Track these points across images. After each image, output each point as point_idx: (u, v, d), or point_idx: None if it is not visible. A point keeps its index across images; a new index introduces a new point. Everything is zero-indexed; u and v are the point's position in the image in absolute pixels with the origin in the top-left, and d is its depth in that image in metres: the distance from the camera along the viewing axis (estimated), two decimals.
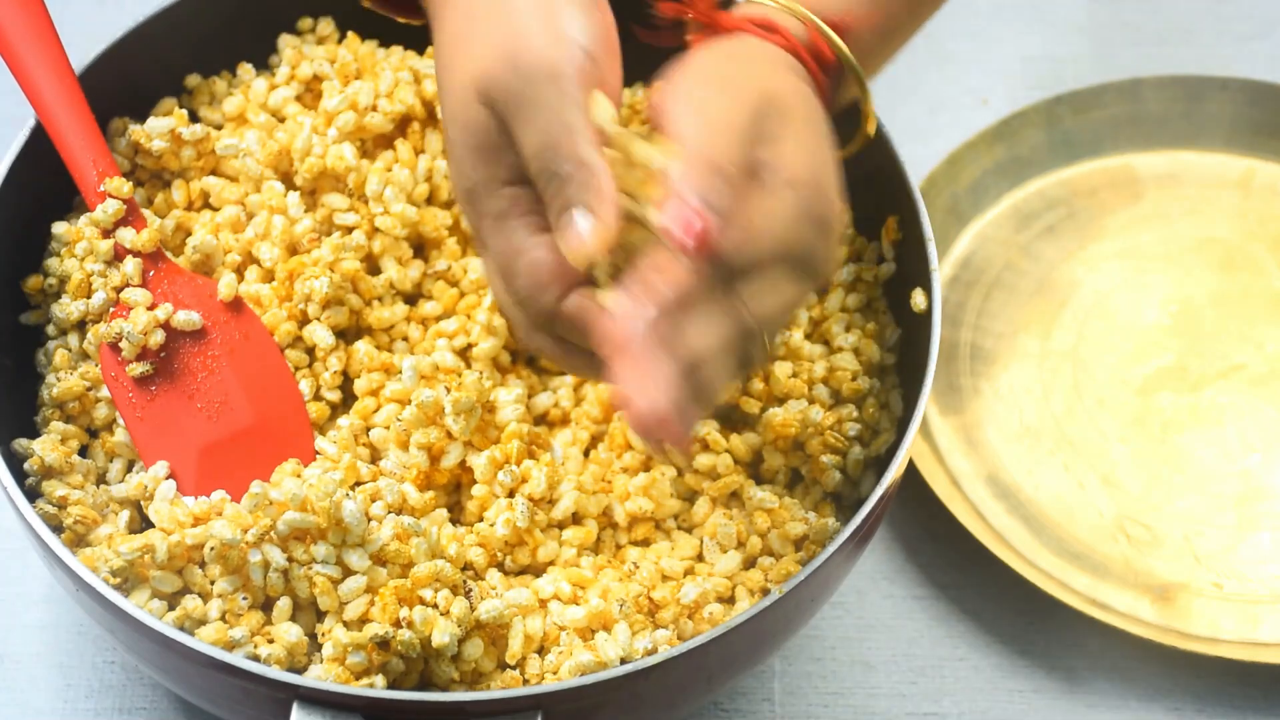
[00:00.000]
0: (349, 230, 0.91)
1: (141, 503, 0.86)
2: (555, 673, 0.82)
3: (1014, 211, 1.09)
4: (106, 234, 0.88)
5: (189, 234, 0.92)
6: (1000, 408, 1.02)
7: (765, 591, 0.84)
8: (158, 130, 0.92)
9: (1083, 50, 1.19)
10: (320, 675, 0.81)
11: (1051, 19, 1.21)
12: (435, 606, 0.81)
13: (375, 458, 0.88)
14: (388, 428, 0.87)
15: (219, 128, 0.95)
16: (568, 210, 0.75)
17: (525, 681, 0.82)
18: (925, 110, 1.15)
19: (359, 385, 0.89)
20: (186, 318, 0.87)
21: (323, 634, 0.82)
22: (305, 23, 0.97)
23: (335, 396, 0.89)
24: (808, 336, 0.91)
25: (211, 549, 0.81)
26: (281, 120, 0.94)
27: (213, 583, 0.83)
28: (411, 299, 0.92)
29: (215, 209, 0.93)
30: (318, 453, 0.88)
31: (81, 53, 0.91)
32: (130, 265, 0.87)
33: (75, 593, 0.82)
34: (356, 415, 0.88)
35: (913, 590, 0.98)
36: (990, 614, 0.97)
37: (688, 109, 0.76)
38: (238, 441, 0.87)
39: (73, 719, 0.93)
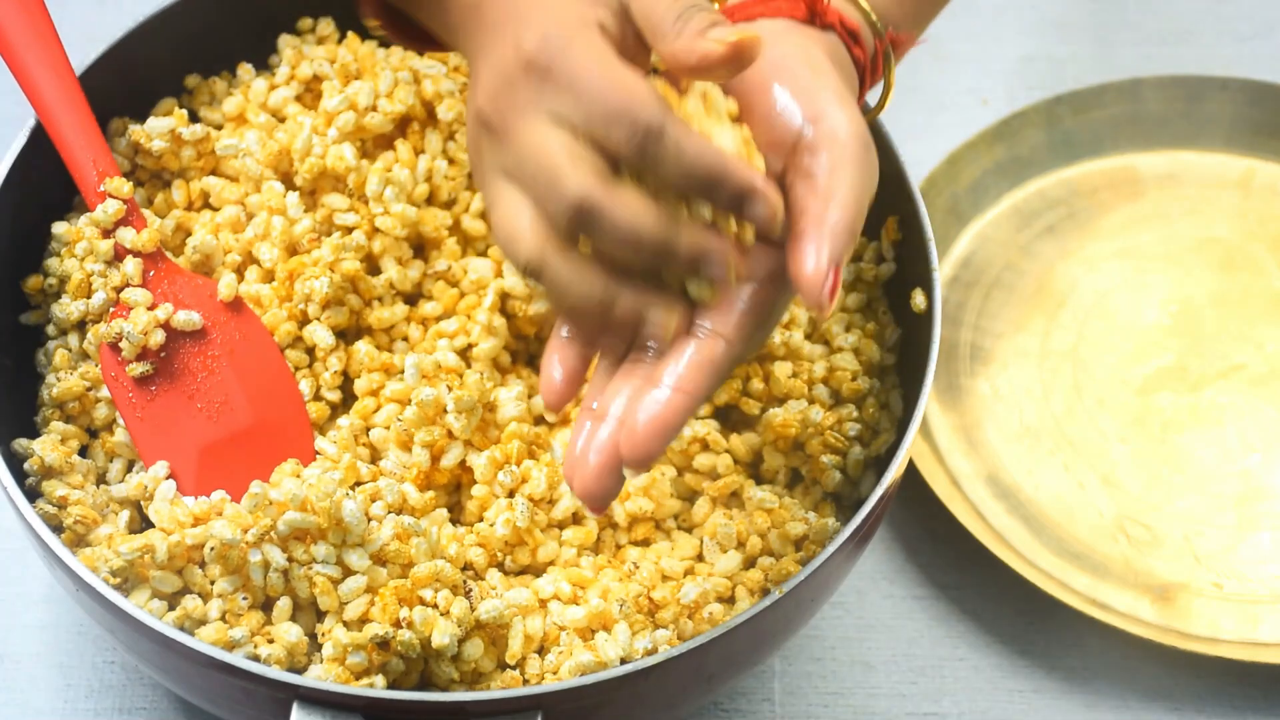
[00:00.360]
0: (349, 230, 0.91)
1: (141, 503, 0.86)
2: (555, 673, 0.82)
3: (1014, 211, 1.09)
4: (106, 234, 0.88)
5: (189, 234, 0.92)
6: (1000, 408, 1.02)
7: (765, 591, 0.84)
8: (158, 130, 0.92)
9: (1083, 50, 1.19)
10: (320, 675, 0.81)
11: (1051, 19, 1.21)
12: (435, 606, 0.81)
13: (375, 458, 0.88)
14: (388, 428, 0.87)
15: (219, 128, 0.95)
16: (708, 26, 0.74)
17: (525, 681, 0.82)
18: (925, 110, 1.15)
19: (359, 385, 0.89)
20: (186, 318, 0.87)
21: (323, 634, 0.82)
22: (305, 23, 0.97)
23: (335, 396, 0.89)
24: (808, 336, 0.91)
25: (211, 549, 0.81)
26: (281, 120, 0.94)
27: (213, 583, 0.83)
28: (411, 299, 0.92)
29: (215, 209, 0.93)
30: (318, 453, 0.88)
31: (81, 53, 0.91)
32: (130, 265, 0.87)
33: (75, 593, 0.82)
34: (356, 415, 0.88)
35: (913, 590, 0.98)
36: (990, 614, 0.97)
37: (842, 175, 0.76)
38: (238, 441, 0.87)
39: (73, 719, 0.93)
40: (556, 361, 0.78)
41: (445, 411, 0.86)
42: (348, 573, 0.82)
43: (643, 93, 0.73)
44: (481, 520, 0.86)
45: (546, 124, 0.74)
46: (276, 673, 0.78)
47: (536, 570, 0.86)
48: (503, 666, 0.83)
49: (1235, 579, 0.97)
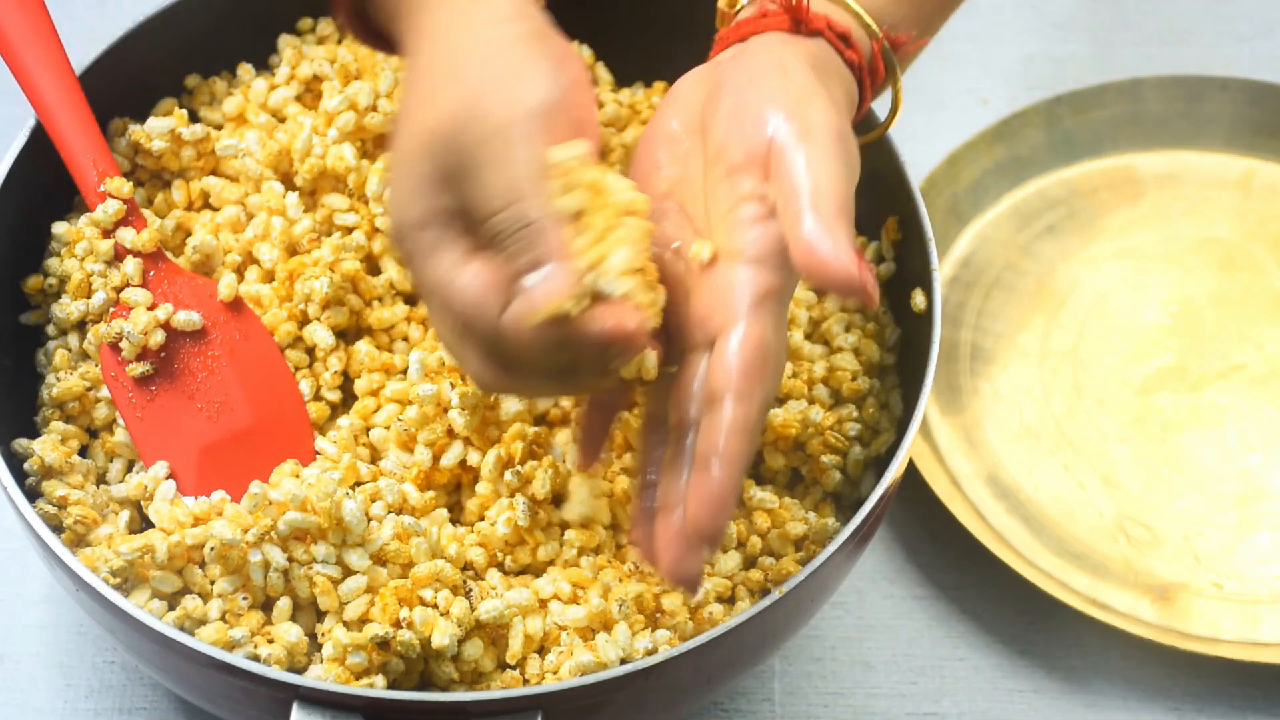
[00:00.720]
0: (349, 230, 0.91)
1: (141, 503, 0.86)
2: (555, 673, 0.82)
3: (1014, 211, 1.09)
4: (106, 234, 0.88)
5: (189, 234, 0.92)
6: (1000, 408, 1.02)
7: (765, 591, 0.84)
8: (158, 130, 0.92)
9: (1083, 50, 1.19)
10: (320, 675, 0.81)
11: (1051, 19, 1.21)
12: (435, 607, 0.81)
13: (375, 458, 0.88)
14: (388, 428, 0.87)
15: (219, 128, 0.95)
16: (524, 273, 0.74)
17: (525, 681, 0.82)
18: (925, 110, 1.15)
19: (359, 385, 0.89)
20: (186, 318, 0.87)
21: (323, 634, 0.82)
22: (305, 23, 0.97)
23: (335, 396, 0.89)
24: (808, 336, 0.91)
25: (211, 549, 0.81)
26: (281, 120, 0.94)
27: (213, 583, 0.83)
28: (411, 299, 0.92)
29: (215, 209, 0.93)
30: (318, 453, 0.88)
31: (81, 53, 0.91)
32: (130, 265, 0.87)
33: (75, 593, 0.82)
34: (356, 415, 0.88)
35: (913, 590, 0.98)
36: (990, 614, 0.97)
37: (821, 169, 0.76)
38: (238, 441, 0.87)
39: (73, 719, 0.93)
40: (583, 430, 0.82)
41: (446, 410, 0.86)
42: (348, 573, 0.82)
43: (472, 304, 0.74)
44: (482, 520, 0.86)
45: (431, 306, 0.78)
46: (276, 673, 0.78)
47: (536, 570, 0.86)
48: (503, 666, 0.83)
49: (1235, 579, 0.97)
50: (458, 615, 0.81)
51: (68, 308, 0.88)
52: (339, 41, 0.96)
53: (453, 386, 0.86)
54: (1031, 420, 1.02)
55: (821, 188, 0.75)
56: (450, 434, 0.86)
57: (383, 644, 0.80)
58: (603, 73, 0.98)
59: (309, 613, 0.83)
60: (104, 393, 0.88)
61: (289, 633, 0.81)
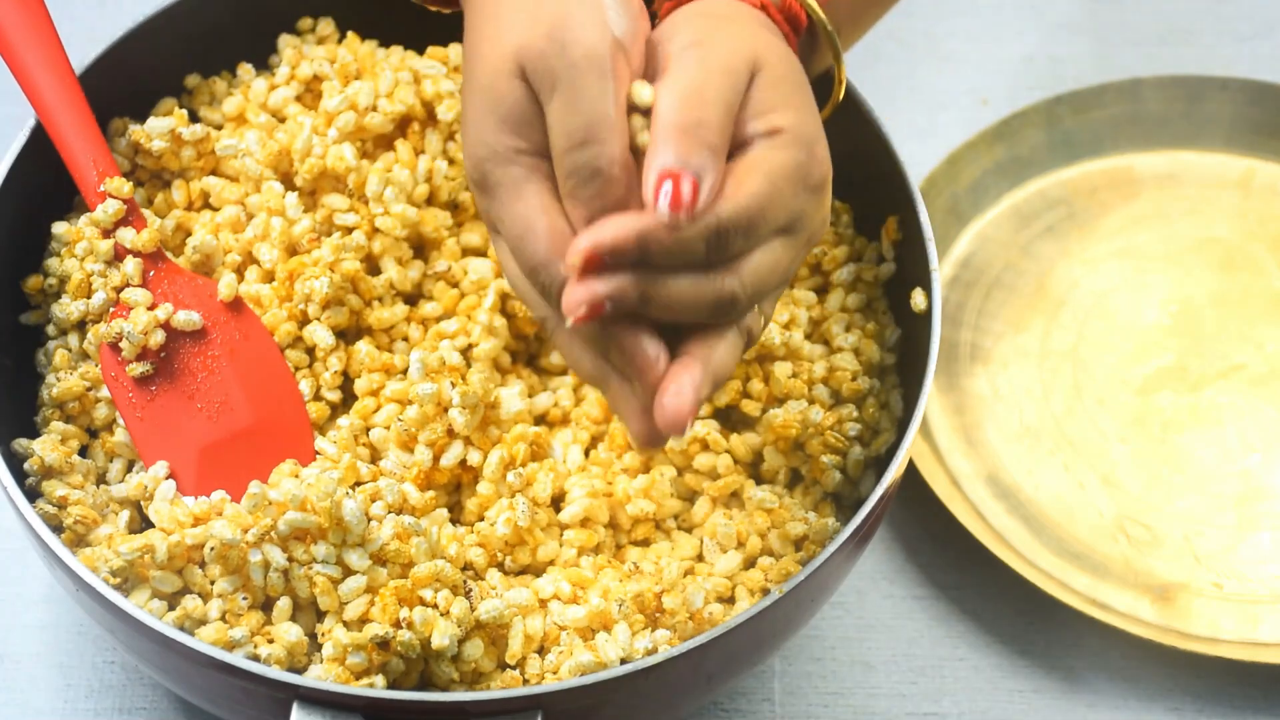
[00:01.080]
0: (349, 231, 0.91)
1: (141, 503, 0.86)
2: (555, 673, 0.82)
3: (1014, 211, 1.09)
4: (106, 234, 0.88)
5: (189, 234, 0.92)
6: (1000, 408, 1.02)
7: (765, 591, 0.84)
8: (158, 130, 0.92)
9: (1083, 50, 1.19)
10: (320, 675, 0.81)
11: (1051, 19, 1.21)
12: (435, 607, 0.81)
13: (375, 458, 0.88)
14: (388, 428, 0.87)
15: (219, 128, 0.95)
16: (595, 212, 0.74)
17: (525, 681, 0.82)
18: (925, 110, 1.15)
19: (359, 385, 0.89)
20: (186, 318, 0.87)
21: (323, 634, 0.82)
22: (305, 23, 0.97)
23: (335, 396, 0.89)
24: (808, 336, 0.91)
25: (211, 549, 0.81)
26: (282, 120, 0.94)
27: (213, 583, 0.83)
28: (412, 299, 0.92)
29: (215, 209, 0.93)
30: (318, 453, 0.88)
31: (81, 53, 0.91)
32: (130, 265, 0.87)
33: (75, 593, 0.82)
34: (356, 415, 0.88)
35: (913, 590, 0.98)
36: (990, 614, 0.97)
37: (674, 79, 0.75)
38: (238, 441, 0.87)
39: (73, 719, 0.93)
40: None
41: (446, 409, 0.86)
42: (348, 573, 0.82)
43: (545, 250, 0.75)
44: (482, 520, 0.86)
45: (501, 246, 0.78)
46: (276, 673, 0.78)
47: (536, 570, 0.86)
48: (503, 666, 0.83)
49: (1235, 579, 0.97)
50: (458, 615, 0.81)
51: (68, 308, 0.88)
52: (339, 41, 0.96)
53: (453, 386, 0.86)
54: (1031, 420, 1.02)
55: (670, 102, 0.75)
56: (450, 434, 0.86)
57: (383, 644, 0.80)
58: None
59: (309, 613, 0.83)
60: (104, 393, 0.88)
61: (289, 633, 0.81)
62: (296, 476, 0.84)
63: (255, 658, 0.80)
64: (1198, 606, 0.96)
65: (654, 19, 0.80)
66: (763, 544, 0.86)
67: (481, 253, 0.93)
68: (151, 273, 0.88)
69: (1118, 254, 1.08)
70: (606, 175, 0.74)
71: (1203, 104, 1.11)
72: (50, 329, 0.90)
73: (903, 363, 0.91)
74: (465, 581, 0.83)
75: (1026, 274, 1.07)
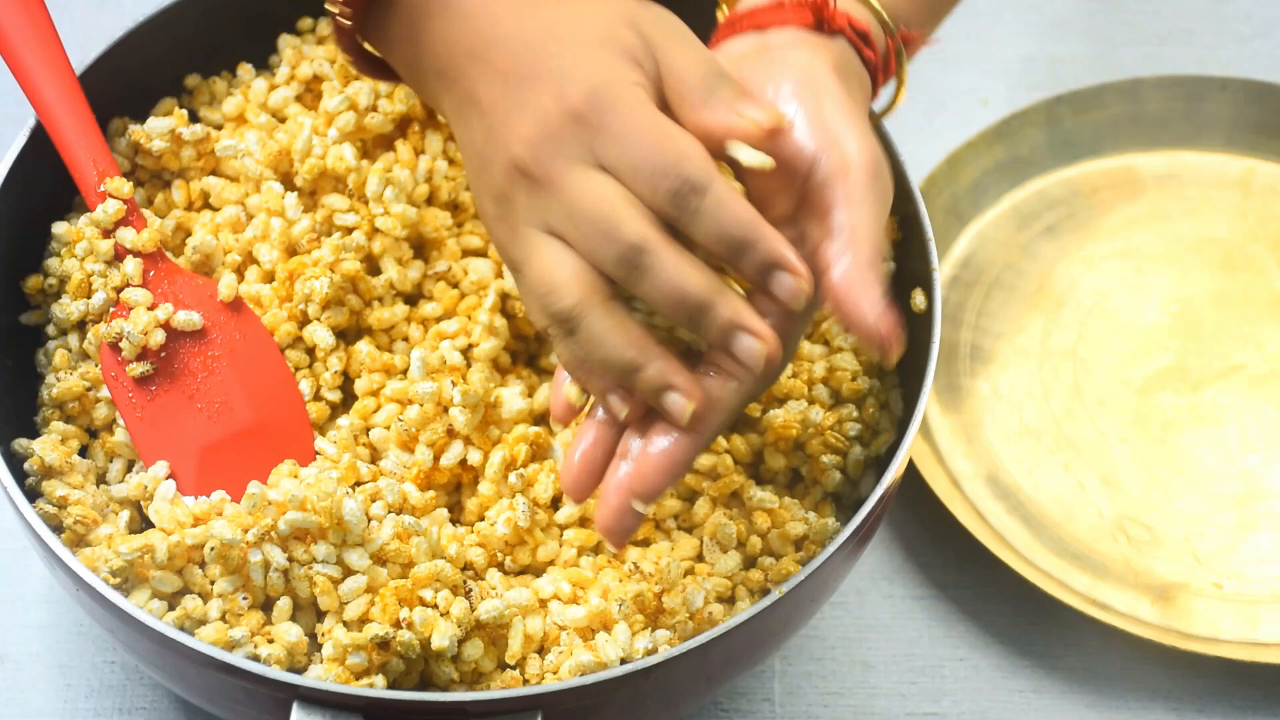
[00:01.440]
0: (349, 231, 0.91)
1: (141, 503, 0.86)
2: (555, 673, 0.82)
3: (1014, 211, 1.09)
4: (106, 234, 0.88)
5: (189, 234, 0.92)
6: (1000, 408, 1.02)
7: (765, 591, 0.84)
8: (158, 130, 0.92)
9: (1083, 50, 1.19)
10: (320, 675, 0.81)
11: (1051, 19, 1.21)
12: (435, 607, 0.81)
13: (375, 458, 0.88)
14: (388, 428, 0.87)
15: (219, 128, 0.95)
16: (738, 108, 0.75)
17: (525, 681, 0.82)
18: (925, 110, 1.15)
19: (359, 385, 0.89)
20: (186, 318, 0.87)
21: (323, 634, 0.82)
22: (305, 23, 0.97)
23: (335, 396, 0.89)
24: (808, 337, 0.91)
25: (211, 549, 0.81)
26: (282, 120, 0.94)
27: (213, 583, 0.83)
28: (412, 299, 0.92)
29: (215, 209, 0.93)
30: (318, 453, 0.88)
31: (81, 53, 0.91)
32: (130, 265, 0.87)
33: (75, 593, 0.82)
34: (356, 415, 0.88)
35: (913, 590, 0.98)
36: (990, 614, 0.97)
37: (860, 201, 0.77)
38: (238, 441, 0.87)
39: (73, 719, 0.93)
40: (580, 448, 0.79)
41: (447, 408, 0.86)
42: (348, 572, 0.82)
43: (692, 148, 0.74)
44: (482, 520, 0.86)
45: (597, 174, 0.75)
46: (276, 673, 0.78)
47: (536, 570, 0.86)
48: (503, 666, 0.83)
49: (1235, 579, 0.97)
50: (458, 615, 0.81)
51: (68, 308, 0.88)
52: None
53: (454, 385, 0.86)
54: (1031, 420, 1.02)
55: (857, 232, 0.76)
56: (450, 433, 0.86)
57: (383, 644, 0.80)
58: None
59: (309, 613, 0.83)
60: (104, 393, 0.88)
61: (289, 633, 0.81)
62: (296, 477, 0.84)
63: (255, 658, 0.80)
64: (1198, 606, 0.96)
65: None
66: (763, 544, 0.86)
67: (482, 253, 0.93)
68: (151, 273, 0.88)
69: (1118, 254, 1.08)
70: (729, 82, 0.76)
71: (1203, 104, 1.11)
72: (50, 329, 0.90)
73: (903, 363, 0.91)
74: (465, 581, 0.83)
75: (1026, 274, 1.07)
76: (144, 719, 0.93)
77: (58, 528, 0.85)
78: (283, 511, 0.81)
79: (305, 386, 0.89)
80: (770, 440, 0.88)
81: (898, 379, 0.91)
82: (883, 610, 0.98)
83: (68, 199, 0.92)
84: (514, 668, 0.82)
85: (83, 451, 0.88)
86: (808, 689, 0.95)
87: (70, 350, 0.89)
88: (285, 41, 0.96)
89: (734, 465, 0.88)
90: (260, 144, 0.92)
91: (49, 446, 0.86)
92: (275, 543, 0.82)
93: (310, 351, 0.90)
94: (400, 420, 0.86)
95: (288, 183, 0.92)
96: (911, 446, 0.84)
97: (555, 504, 0.87)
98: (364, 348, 0.89)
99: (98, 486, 0.87)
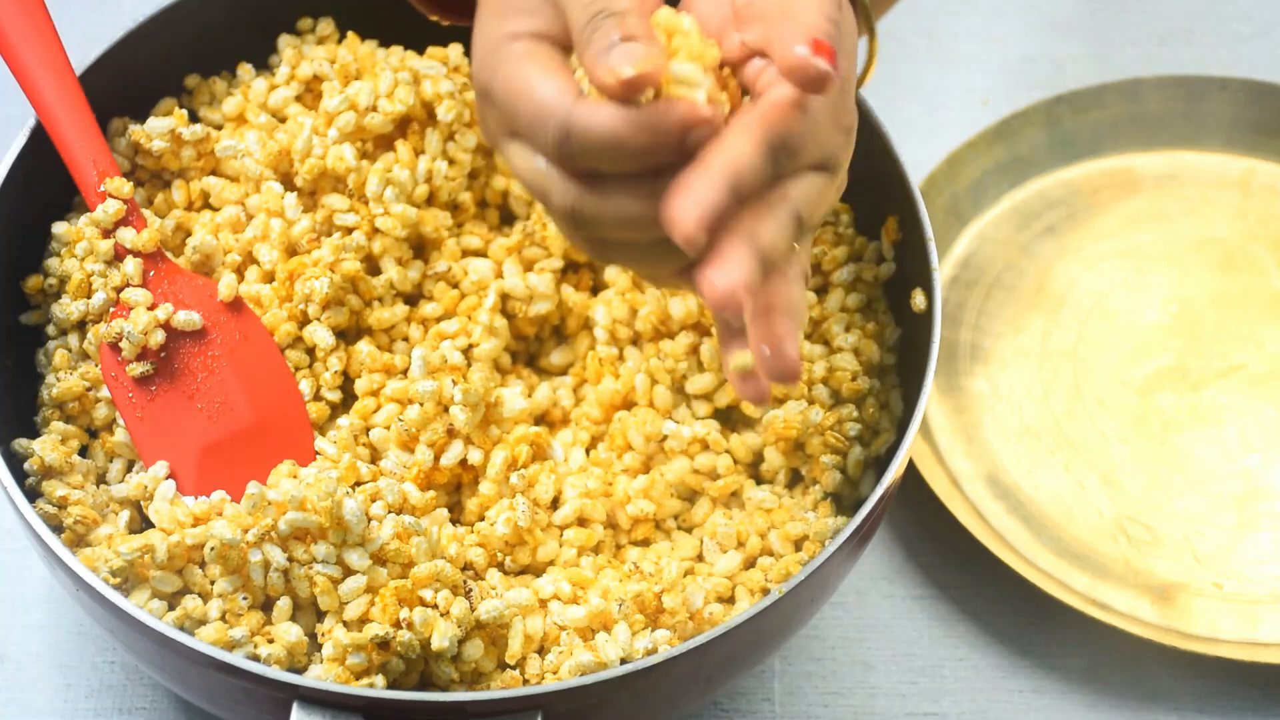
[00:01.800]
0: (349, 231, 0.91)
1: (141, 503, 0.86)
2: (555, 673, 0.82)
3: (1014, 211, 1.09)
4: (106, 234, 0.88)
5: (189, 234, 0.92)
6: (1000, 408, 1.02)
7: (765, 591, 0.84)
8: (158, 130, 0.92)
9: (1083, 50, 1.19)
10: (320, 675, 0.81)
11: (1051, 19, 1.21)
12: (435, 607, 0.81)
13: (375, 458, 0.88)
14: (388, 428, 0.87)
15: (219, 128, 0.95)
16: (613, 43, 0.73)
17: (525, 681, 0.82)
18: (925, 110, 1.15)
19: (359, 385, 0.89)
20: (186, 318, 0.87)
21: (323, 634, 0.82)
22: (305, 23, 0.97)
23: (335, 396, 0.89)
24: (808, 337, 0.91)
25: (212, 549, 0.81)
26: (282, 120, 0.94)
27: (213, 583, 0.83)
28: (412, 300, 0.92)
29: (215, 209, 0.93)
30: (318, 453, 0.88)
31: (81, 53, 0.91)
32: (130, 265, 0.87)
33: (75, 593, 0.82)
34: (356, 415, 0.88)
35: (913, 590, 0.98)
36: (990, 614, 0.97)
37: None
38: (238, 441, 0.87)
39: (73, 719, 0.93)
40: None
41: (447, 407, 0.86)
42: (348, 572, 0.82)
43: (545, 99, 0.74)
44: (482, 520, 0.86)
45: (516, 144, 0.76)
46: (276, 673, 0.78)
47: (536, 570, 0.86)
48: (503, 666, 0.83)
49: (1235, 579, 0.97)
50: (458, 615, 0.81)
51: (68, 308, 0.88)
52: (339, 41, 0.96)
53: (454, 383, 0.86)
54: (1031, 420, 1.02)
55: (793, 4, 0.75)
56: (450, 433, 0.86)
57: (383, 644, 0.80)
58: None
59: (309, 613, 0.83)
60: (104, 393, 0.88)
61: (289, 633, 0.81)
62: (295, 477, 0.84)
63: (255, 658, 0.81)
64: (1198, 606, 0.96)
65: None
66: (763, 544, 0.86)
67: (482, 253, 0.93)
68: (151, 273, 0.88)
69: (1118, 254, 1.08)
70: (620, 12, 0.74)
71: (1203, 104, 1.11)
72: (50, 329, 0.90)
73: (903, 363, 0.91)
74: (465, 581, 0.83)
75: (1026, 274, 1.07)
76: (144, 719, 0.93)
77: (58, 528, 0.85)
78: (283, 511, 0.81)
79: (305, 386, 0.89)
80: (770, 440, 0.88)
81: (898, 379, 0.91)
82: (883, 610, 0.98)
83: (68, 199, 0.92)
84: (514, 668, 0.82)
85: (83, 451, 0.88)
86: (808, 689, 0.95)
87: (70, 350, 0.89)
88: (285, 41, 0.96)
89: (734, 465, 0.88)
90: (260, 144, 0.92)
91: (49, 446, 0.86)
92: (275, 543, 0.82)
93: (310, 351, 0.90)
94: (400, 420, 0.86)
95: (288, 183, 0.92)
96: (911, 446, 0.84)
97: (556, 505, 0.87)
98: (364, 348, 0.89)
99: (98, 486, 0.87)
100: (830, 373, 0.90)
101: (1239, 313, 1.06)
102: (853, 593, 0.98)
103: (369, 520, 0.83)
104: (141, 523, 0.86)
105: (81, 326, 0.89)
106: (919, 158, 1.00)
